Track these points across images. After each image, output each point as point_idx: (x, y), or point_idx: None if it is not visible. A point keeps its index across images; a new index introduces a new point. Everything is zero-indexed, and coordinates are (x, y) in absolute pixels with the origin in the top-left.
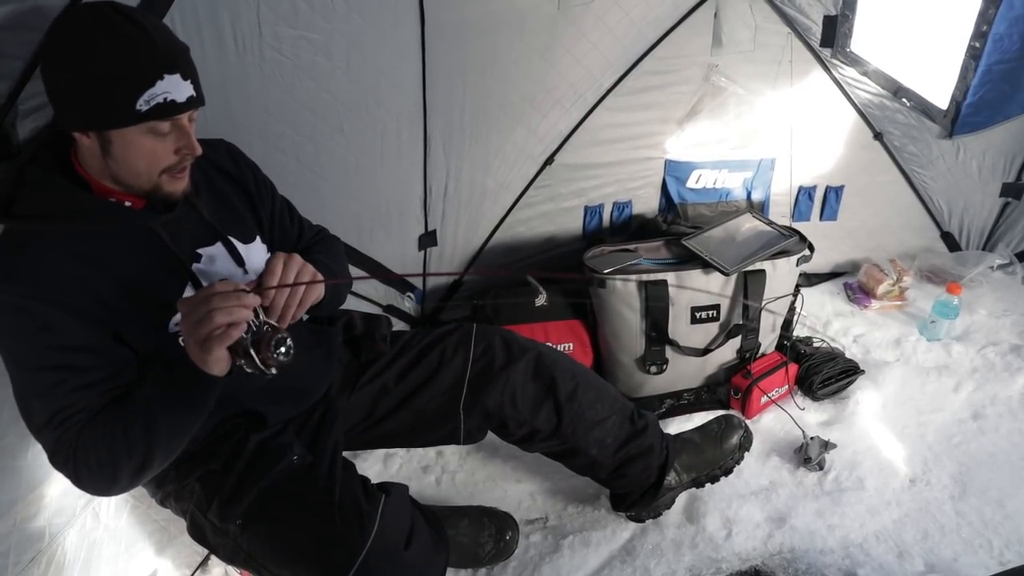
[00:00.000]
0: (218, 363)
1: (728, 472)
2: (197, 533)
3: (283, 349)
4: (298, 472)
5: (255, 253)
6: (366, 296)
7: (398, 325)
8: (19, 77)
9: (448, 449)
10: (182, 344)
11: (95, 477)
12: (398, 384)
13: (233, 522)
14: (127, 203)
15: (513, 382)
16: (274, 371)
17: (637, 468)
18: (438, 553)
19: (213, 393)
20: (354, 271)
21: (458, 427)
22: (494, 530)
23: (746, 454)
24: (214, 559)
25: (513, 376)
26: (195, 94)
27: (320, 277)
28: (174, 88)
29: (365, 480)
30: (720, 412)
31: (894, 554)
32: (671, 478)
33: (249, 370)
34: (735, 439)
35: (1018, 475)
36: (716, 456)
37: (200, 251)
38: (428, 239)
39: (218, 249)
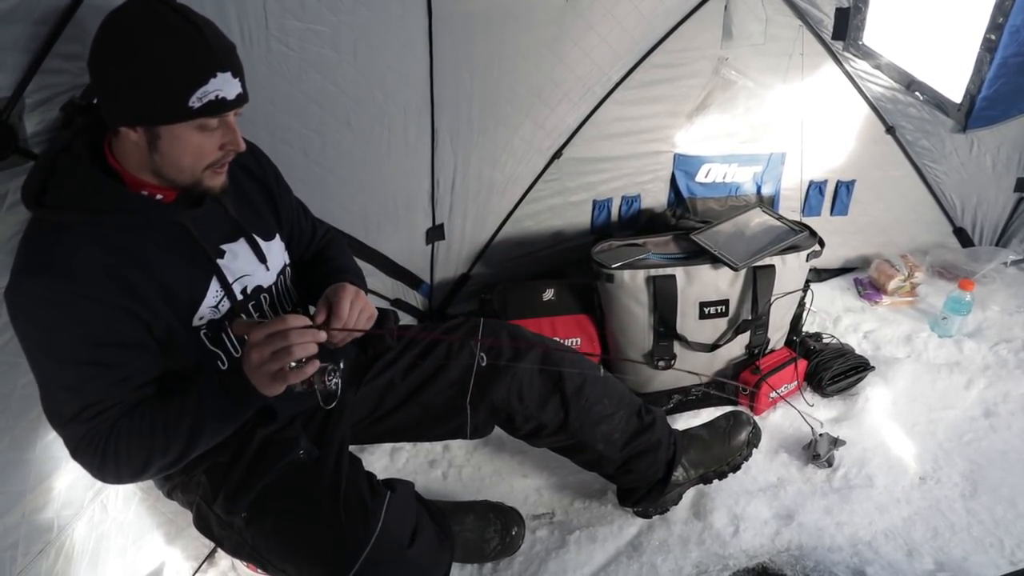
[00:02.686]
0: (278, 388)
1: (736, 468)
2: (203, 525)
3: (336, 378)
4: (304, 466)
5: (275, 250)
6: (374, 290)
7: (405, 319)
8: (25, 70)
9: (455, 443)
10: (244, 366)
11: (121, 469)
12: (405, 378)
13: (238, 515)
14: (158, 196)
15: (520, 377)
16: (333, 404)
17: (644, 464)
18: (443, 550)
19: (258, 406)
20: (374, 271)
21: (465, 422)
22: (500, 525)
23: (754, 450)
24: (222, 551)
25: (520, 371)
26: (243, 91)
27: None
28: (225, 85)
29: (371, 476)
30: (728, 408)
31: (903, 552)
32: (678, 474)
33: (298, 390)
34: (743, 435)
35: None
36: (724, 452)
37: (224, 247)
38: (435, 233)
39: (241, 246)
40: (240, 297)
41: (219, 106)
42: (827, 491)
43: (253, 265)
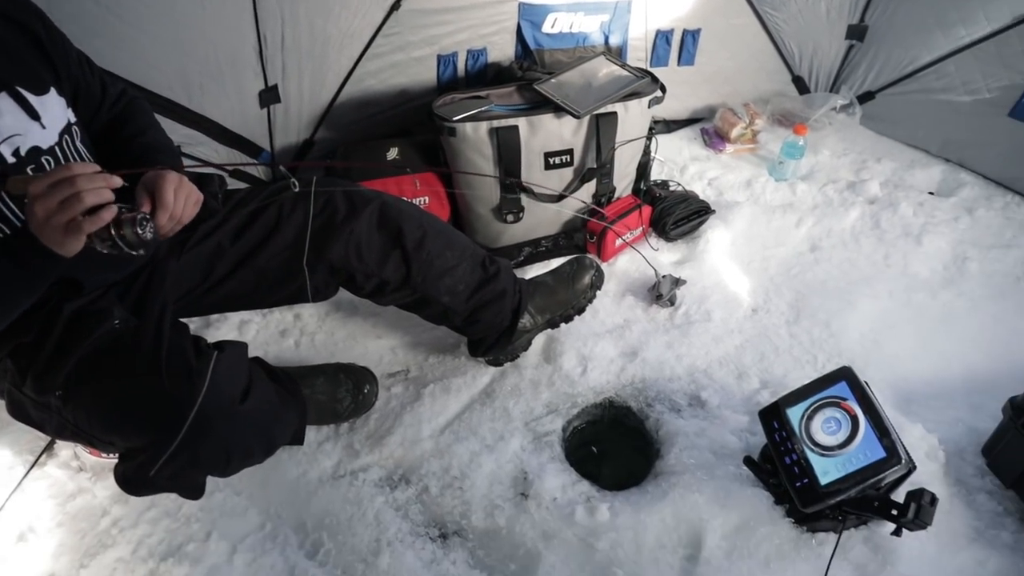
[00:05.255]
0: (74, 244)
1: (581, 311)
2: (17, 411)
3: (148, 228)
4: (121, 336)
5: (52, 105)
6: (209, 161)
7: None
8: None
9: (306, 311)
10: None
11: None
12: (234, 243)
13: (52, 394)
14: None
15: (357, 234)
16: (141, 252)
17: (490, 313)
18: (285, 408)
19: (57, 270)
20: (206, 140)
21: (304, 284)
22: (351, 385)
23: (599, 294)
24: (61, 441)
25: (357, 228)
26: None
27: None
28: None
29: (198, 339)
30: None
31: (734, 376)
32: (525, 320)
33: (105, 251)
34: (587, 279)
35: (844, 298)
36: (569, 296)
37: None
38: (270, 95)
39: (5, 101)
40: (12, 160)
41: None
42: (669, 328)
43: (24, 123)
